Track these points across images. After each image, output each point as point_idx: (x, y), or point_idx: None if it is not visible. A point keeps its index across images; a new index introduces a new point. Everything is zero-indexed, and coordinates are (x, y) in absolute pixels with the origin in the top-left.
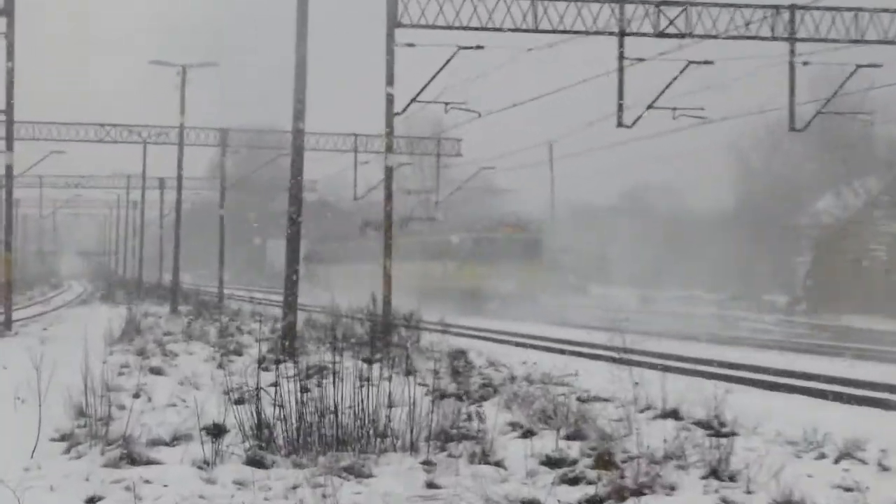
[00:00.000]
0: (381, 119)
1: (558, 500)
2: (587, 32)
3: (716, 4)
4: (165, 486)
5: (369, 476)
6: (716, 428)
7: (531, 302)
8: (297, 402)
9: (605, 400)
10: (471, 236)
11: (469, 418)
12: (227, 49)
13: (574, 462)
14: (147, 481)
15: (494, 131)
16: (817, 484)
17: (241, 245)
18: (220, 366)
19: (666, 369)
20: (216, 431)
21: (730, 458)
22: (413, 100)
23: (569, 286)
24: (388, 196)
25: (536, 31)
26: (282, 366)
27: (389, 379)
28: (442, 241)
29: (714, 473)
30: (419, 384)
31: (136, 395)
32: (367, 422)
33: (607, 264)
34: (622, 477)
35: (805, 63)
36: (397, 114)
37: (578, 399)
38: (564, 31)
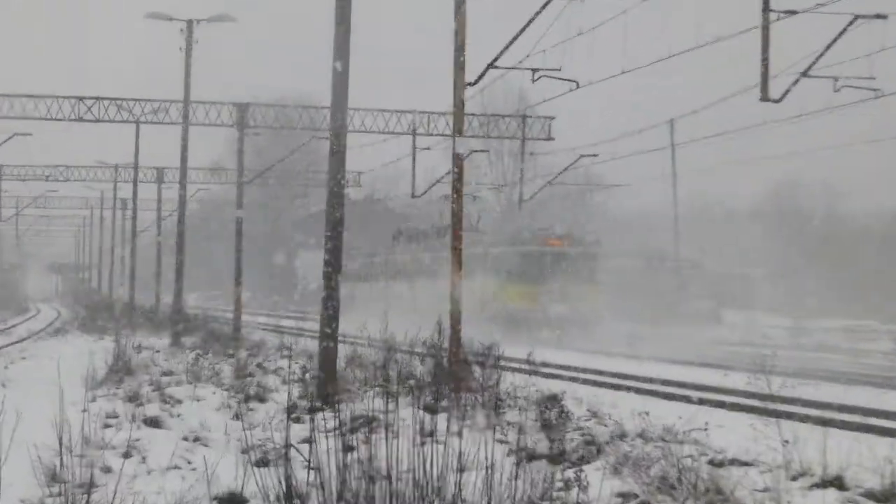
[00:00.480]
0: (447, 93)
1: None
2: None
3: None
4: None
5: None
6: (892, 501)
7: (584, 328)
8: (338, 465)
9: (746, 464)
10: (511, 251)
11: (566, 486)
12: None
13: None
14: None
15: (597, 108)
16: None
17: (265, 257)
18: (237, 416)
19: (826, 423)
20: (232, 502)
21: None
22: (490, 65)
23: (696, 312)
24: (457, 192)
25: None
26: (318, 416)
27: (460, 434)
28: (478, 255)
29: None
30: (499, 441)
31: (127, 455)
32: (430, 491)
33: (748, 283)
34: None
35: None
36: (470, 84)
37: (710, 462)
38: None
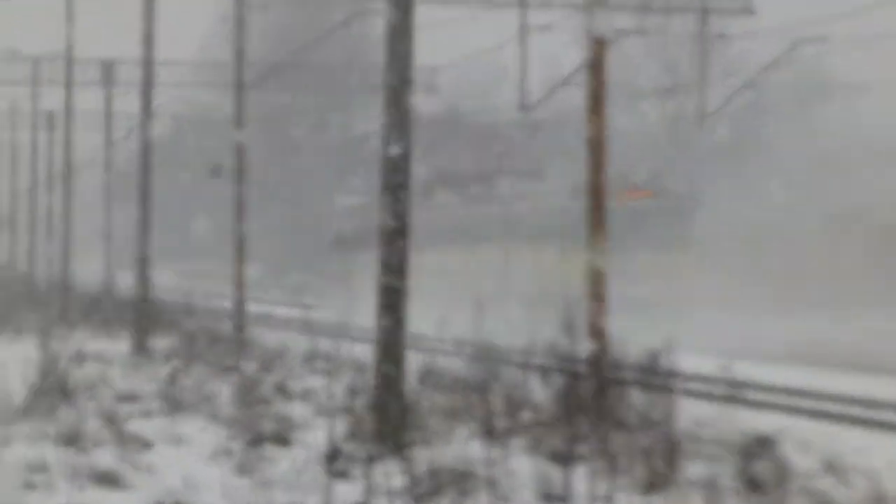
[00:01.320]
0: None
1: None
2: None
3: None
4: None
5: None
6: None
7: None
8: None
9: None
10: (568, 207)
11: None
12: None
13: None
14: None
15: None
16: None
17: (281, 209)
18: (244, 468)
19: None
20: None
21: None
22: None
23: None
24: (596, 100)
25: None
26: (377, 468)
27: (610, 499)
28: (539, 212)
29: None
30: None
31: None
32: None
33: None
34: None
35: None
36: None
37: None
38: None
